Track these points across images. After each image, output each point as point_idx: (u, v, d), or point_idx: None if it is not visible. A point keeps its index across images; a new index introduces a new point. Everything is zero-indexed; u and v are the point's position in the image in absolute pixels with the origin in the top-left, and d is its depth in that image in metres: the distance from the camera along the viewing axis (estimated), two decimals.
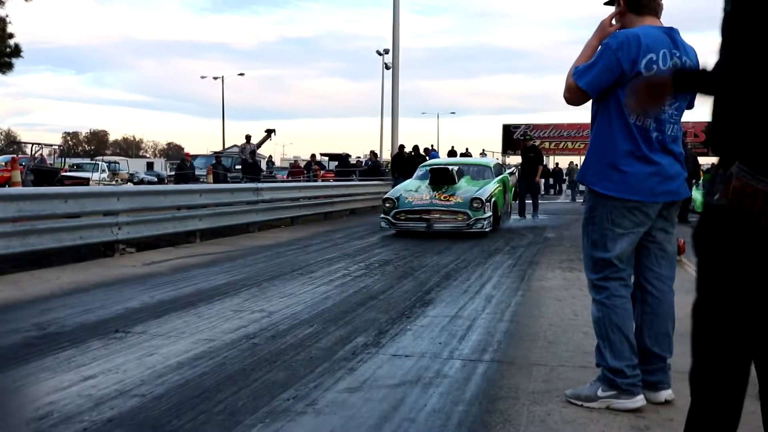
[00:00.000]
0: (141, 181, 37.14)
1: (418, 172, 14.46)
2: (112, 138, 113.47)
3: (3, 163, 24.86)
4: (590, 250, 3.39)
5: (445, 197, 12.36)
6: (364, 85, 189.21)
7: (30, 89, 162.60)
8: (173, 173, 25.82)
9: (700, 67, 3.05)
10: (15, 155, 19.91)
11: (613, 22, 3.44)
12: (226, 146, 48.28)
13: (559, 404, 3.45)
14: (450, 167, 13.23)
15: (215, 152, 32.71)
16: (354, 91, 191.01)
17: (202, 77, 65.25)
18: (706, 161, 21.24)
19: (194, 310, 5.82)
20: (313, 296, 6.49)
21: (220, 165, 23.19)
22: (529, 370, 4.07)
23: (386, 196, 12.99)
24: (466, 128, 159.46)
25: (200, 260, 9.08)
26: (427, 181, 13.08)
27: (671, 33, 3.29)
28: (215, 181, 18.41)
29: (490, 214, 12.15)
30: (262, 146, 31.78)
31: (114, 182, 30.09)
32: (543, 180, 27.21)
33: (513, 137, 42.93)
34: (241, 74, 61.96)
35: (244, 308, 5.89)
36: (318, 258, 9.31)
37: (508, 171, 16.01)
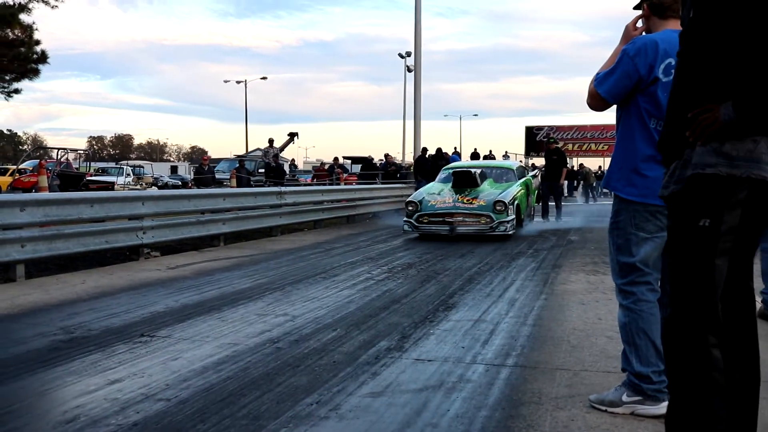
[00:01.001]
0: (165, 185, 37.44)
1: (441, 175, 14.50)
2: (136, 142, 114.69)
3: (30, 168, 25.22)
4: (616, 254, 3.38)
5: (468, 200, 12.38)
6: (386, 88, 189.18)
7: (56, 94, 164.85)
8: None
9: None
10: (42, 160, 20.15)
11: (638, 25, 3.43)
12: (249, 150, 48.53)
13: (583, 410, 3.43)
14: (473, 170, 13.24)
15: (238, 156, 32.90)
16: (376, 95, 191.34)
17: (225, 81, 65.72)
18: None
19: (218, 314, 5.86)
20: (336, 300, 6.51)
21: (243, 169, 23.31)
22: (553, 374, 4.05)
23: (409, 199, 13.02)
24: (489, 130, 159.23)
25: (224, 264, 9.14)
26: (450, 184, 13.11)
27: None
28: (238, 185, 18.52)
29: (513, 217, 12.11)
30: (285, 149, 31.90)
31: (139, 186, 30.37)
32: (566, 182, 27.04)
33: (536, 139, 42.77)
34: (264, 78, 62.07)
35: (267, 312, 5.92)
36: (341, 261, 9.34)
37: (531, 173, 15.99)
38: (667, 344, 2.30)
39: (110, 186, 22.35)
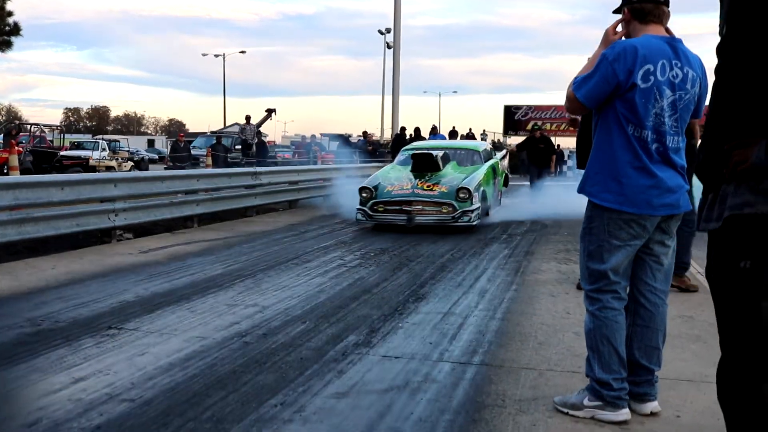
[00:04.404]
0: (141, 160, 37.03)
1: (400, 156, 13.29)
2: (113, 114, 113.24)
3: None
4: (586, 260, 3.39)
5: (428, 186, 11.19)
6: (366, 62, 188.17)
7: (31, 65, 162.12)
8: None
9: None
10: (12, 133, 19.83)
11: (618, 29, 3.42)
12: (227, 125, 48.18)
13: (545, 413, 3.46)
14: (434, 152, 11.89)
15: (214, 132, 32.60)
16: (356, 69, 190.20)
17: (204, 55, 64.81)
18: None
19: (188, 304, 5.84)
20: (307, 289, 6.51)
21: (220, 145, 23.13)
22: (518, 374, 4.08)
23: (363, 184, 11.58)
24: (468, 107, 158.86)
25: (196, 248, 9.10)
26: (410, 168, 11.86)
27: (673, 42, 3.26)
28: (214, 163, 18.39)
29: (478, 205, 11.07)
30: (263, 126, 31.66)
31: (114, 160, 30.06)
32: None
33: (514, 118, 42.76)
34: (243, 52, 61.60)
35: (237, 302, 5.91)
36: (314, 246, 9.33)
37: (499, 155, 14.99)
38: (721, 390, 2.20)
39: (85, 161, 22.08)
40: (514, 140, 37.85)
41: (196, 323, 5.22)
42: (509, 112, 43.39)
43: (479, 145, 14.50)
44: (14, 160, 11.46)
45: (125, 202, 9.64)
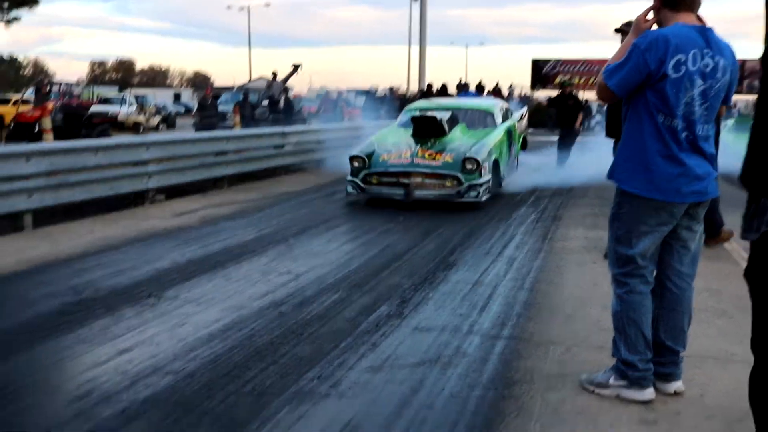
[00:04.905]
0: (169, 115, 37.20)
1: (402, 117, 11.60)
2: (138, 67, 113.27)
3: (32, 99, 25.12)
4: (614, 245, 3.47)
5: (430, 155, 9.62)
6: (392, 12, 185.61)
7: (57, 17, 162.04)
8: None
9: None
10: (45, 95, 20.02)
11: (649, 17, 3.42)
12: (252, 78, 48.12)
13: (573, 391, 3.58)
14: (439, 114, 10.24)
15: (241, 87, 32.57)
16: (381, 19, 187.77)
17: (228, 8, 64.37)
18: None
19: (223, 271, 6.01)
20: (338, 255, 6.65)
21: (247, 102, 23.18)
22: (546, 349, 4.20)
23: (355, 152, 9.99)
24: (494, 59, 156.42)
25: (228, 210, 9.25)
26: (411, 132, 10.25)
27: (705, 31, 3.27)
28: (242, 121, 18.41)
29: (488, 177, 9.55)
30: (289, 81, 31.62)
31: (142, 115, 30.27)
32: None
33: (542, 72, 42.25)
34: (267, 5, 61.16)
35: (271, 269, 6.06)
36: (343, 209, 9.47)
37: (516, 115, 13.27)
38: (753, 395, 2.26)
39: (114, 119, 22.26)
40: (542, 95, 37.52)
41: (232, 292, 5.39)
42: (537, 66, 42.88)
43: (493, 104, 12.45)
44: (47, 123, 11.64)
45: (157, 165, 9.81)
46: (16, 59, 73.78)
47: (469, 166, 9.35)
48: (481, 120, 11.14)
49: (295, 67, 28.01)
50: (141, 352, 4.12)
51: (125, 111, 27.81)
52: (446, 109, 11.05)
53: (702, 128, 3.28)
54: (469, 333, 4.50)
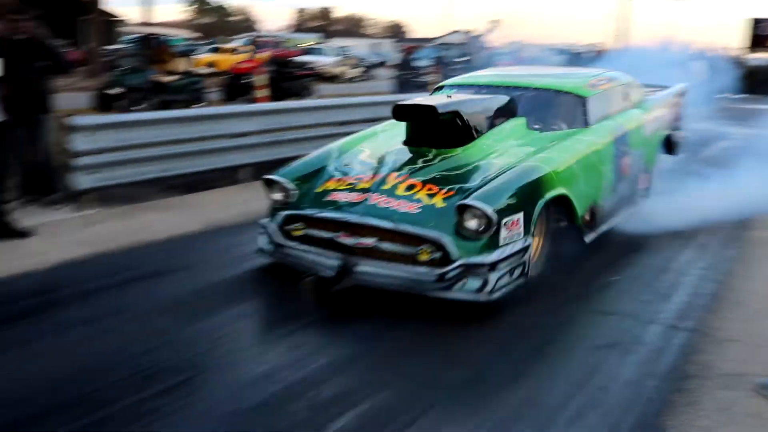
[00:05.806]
0: (371, 66, 38.47)
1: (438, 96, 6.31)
2: (334, 15, 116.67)
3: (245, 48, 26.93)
4: None
5: (408, 187, 4.90)
6: None
7: None
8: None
9: None
10: (259, 49, 21.48)
11: None
12: (448, 31, 48.27)
13: (746, 392, 3.68)
14: (450, 104, 5.47)
15: (440, 42, 32.89)
16: None
17: None
18: None
19: None
20: None
21: (443, 59, 23.57)
22: (726, 345, 4.27)
23: (284, 170, 5.40)
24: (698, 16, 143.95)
25: None
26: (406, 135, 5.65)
27: None
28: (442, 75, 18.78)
29: (516, 248, 4.64)
30: (487, 37, 31.59)
31: (345, 67, 31.71)
32: None
33: (756, 32, 38.33)
34: None
35: None
36: None
37: (657, 100, 7.74)
38: None
39: (316, 72, 23.46)
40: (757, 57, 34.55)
41: None
42: (756, 25, 39.23)
43: (584, 81, 6.51)
44: (261, 81, 12.64)
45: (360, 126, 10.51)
46: (223, 6, 78.62)
47: (469, 224, 4.53)
48: (560, 113, 6.15)
49: (494, 23, 28.00)
50: None
51: (327, 61, 29.26)
52: (507, 87, 6.32)
53: None
54: (650, 322, 4.61)
